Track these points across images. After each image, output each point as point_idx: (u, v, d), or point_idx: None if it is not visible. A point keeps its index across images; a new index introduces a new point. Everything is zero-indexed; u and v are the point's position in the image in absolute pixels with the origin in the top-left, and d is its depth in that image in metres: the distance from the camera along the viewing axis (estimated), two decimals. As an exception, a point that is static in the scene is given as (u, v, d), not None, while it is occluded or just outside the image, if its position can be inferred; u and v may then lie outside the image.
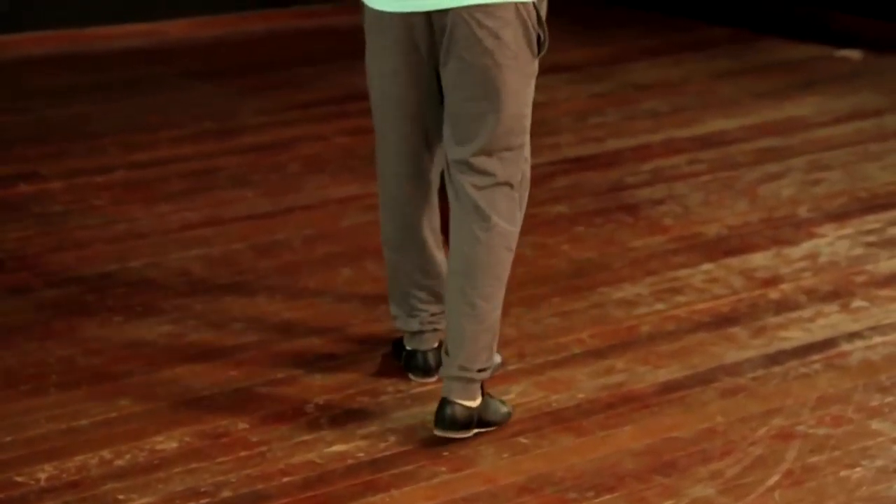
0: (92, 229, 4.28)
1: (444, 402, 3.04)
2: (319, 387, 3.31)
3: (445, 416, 3.02)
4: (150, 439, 3.07)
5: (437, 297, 3.27)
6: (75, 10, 6.44)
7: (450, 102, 3.01)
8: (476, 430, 3.06)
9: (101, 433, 3.09)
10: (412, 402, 3.24)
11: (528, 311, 3.73)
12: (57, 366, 3.40)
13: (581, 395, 3.28)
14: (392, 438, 3.08)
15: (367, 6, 3.02)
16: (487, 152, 3.00)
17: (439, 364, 3.17)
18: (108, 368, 3.39)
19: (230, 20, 6.85)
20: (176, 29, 6.68)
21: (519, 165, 3.04)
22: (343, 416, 3.18)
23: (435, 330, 3.31)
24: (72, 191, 4.59)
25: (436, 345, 3.33)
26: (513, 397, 3.26)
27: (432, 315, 3.30)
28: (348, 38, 6.52)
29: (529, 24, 2.96)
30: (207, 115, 5.40)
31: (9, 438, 3.07)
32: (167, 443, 3.06)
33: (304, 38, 6.54)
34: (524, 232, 4.22)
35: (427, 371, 3.32)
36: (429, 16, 2.95)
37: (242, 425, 3.14)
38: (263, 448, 3.04)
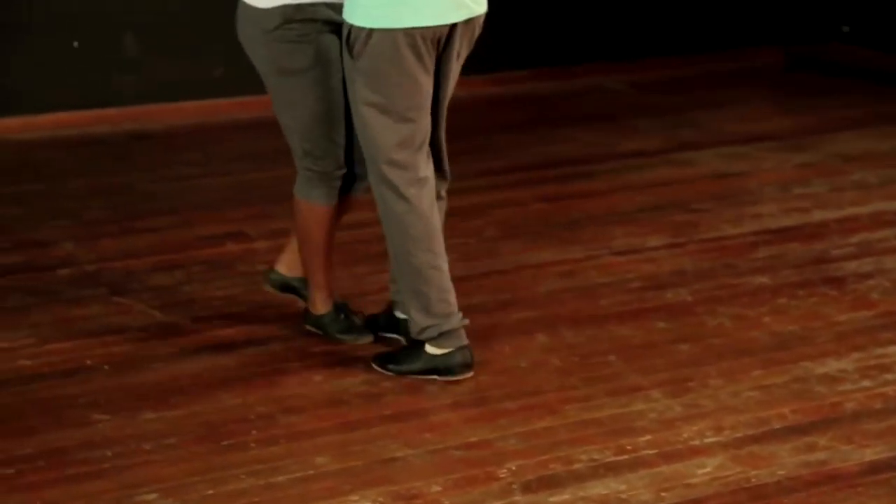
0: (294, 289, 4.36)
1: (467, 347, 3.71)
2: (512, 451, 3.30)
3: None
4: (344, 498, 3.10)
5: None
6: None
7: (443, 94, 3.62)
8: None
9: (298, 490, 3.14)
10: (605, 472, 3.19)
11: (727, 383, 3.65)
12: (257, 422, 3.47)
13: (782, 472, 3.18)
14: (585, 508, 3.04)
15: (411, 28, 3.43)
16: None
17: None
18: (306, 426, 3.45)
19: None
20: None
21: None
22: (535, 483, 3.15)
23: None
24: (276, 250, 4.69)
25: None
26: (709, 471, 3.18)
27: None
28: (545, 105, 6.58)
29: None
30: (407, 180, 5.47)
31: (210, 491, 3.14)
32: (361, 502, 3.08)
33: (501, 105, 6.59)
34: (723, 302, 4.19)
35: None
36: (461, 22, 3.52)
37: (436, 487, 3.14)
38: (456, 512, 3.04)
